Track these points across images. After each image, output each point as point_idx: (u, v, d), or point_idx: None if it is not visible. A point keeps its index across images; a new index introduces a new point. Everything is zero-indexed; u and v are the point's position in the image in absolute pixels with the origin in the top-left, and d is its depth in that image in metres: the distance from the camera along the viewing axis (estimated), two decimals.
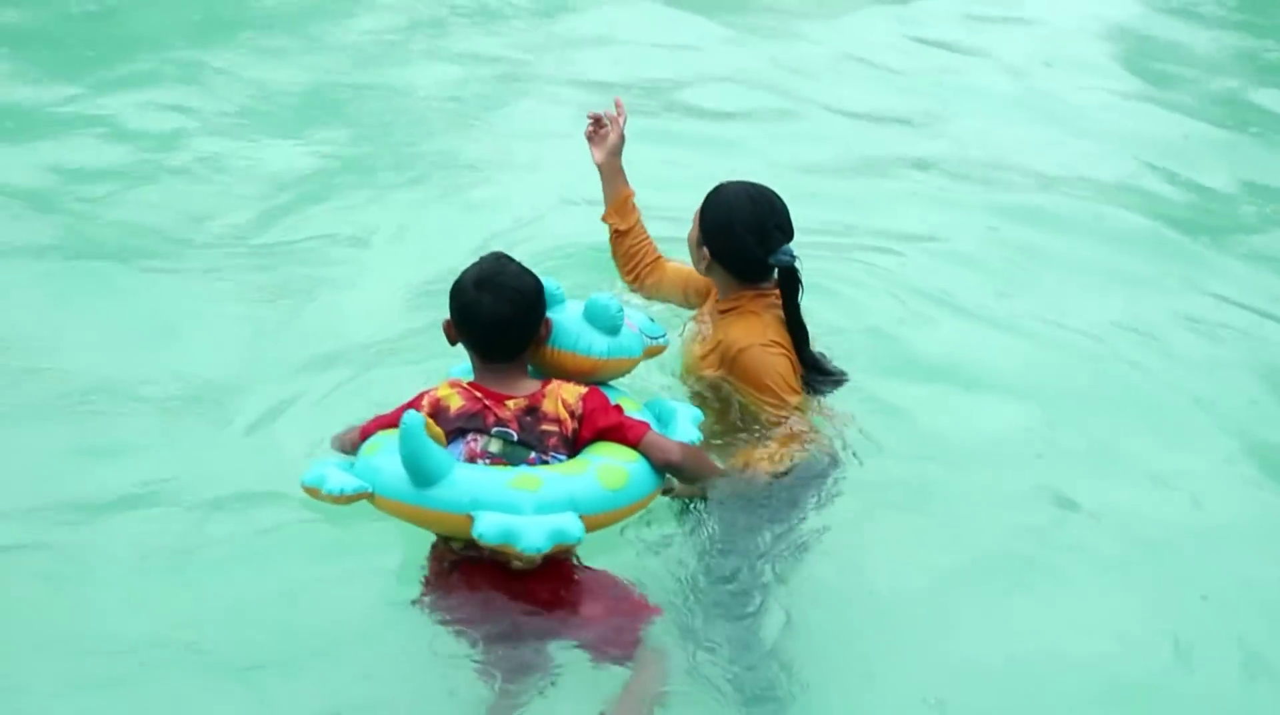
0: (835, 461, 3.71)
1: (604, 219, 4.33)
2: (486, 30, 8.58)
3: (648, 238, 4.30)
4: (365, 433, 3.48)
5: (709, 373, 3.80)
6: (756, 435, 3.66)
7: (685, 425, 3.47)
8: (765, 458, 3.56)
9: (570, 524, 3.08)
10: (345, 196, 6.21)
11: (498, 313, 3.32)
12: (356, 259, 5.52)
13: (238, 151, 6.63)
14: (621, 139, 4.28)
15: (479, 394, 3.35)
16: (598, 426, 3.31)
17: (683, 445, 3.39)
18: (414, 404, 3.39)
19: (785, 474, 3.58)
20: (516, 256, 3.54)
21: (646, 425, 3.36)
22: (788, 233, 3.80)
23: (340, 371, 4.54)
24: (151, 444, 4.26)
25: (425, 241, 5.59)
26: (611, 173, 4.27)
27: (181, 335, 4.91)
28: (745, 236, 3.76)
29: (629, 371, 3.61)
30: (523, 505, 3.08)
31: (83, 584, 3.67)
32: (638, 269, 4.29)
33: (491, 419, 3.31)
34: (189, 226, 5.83)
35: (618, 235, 4.32)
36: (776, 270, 3.80)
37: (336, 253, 5.56)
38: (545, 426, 3.31)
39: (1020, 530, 3.96)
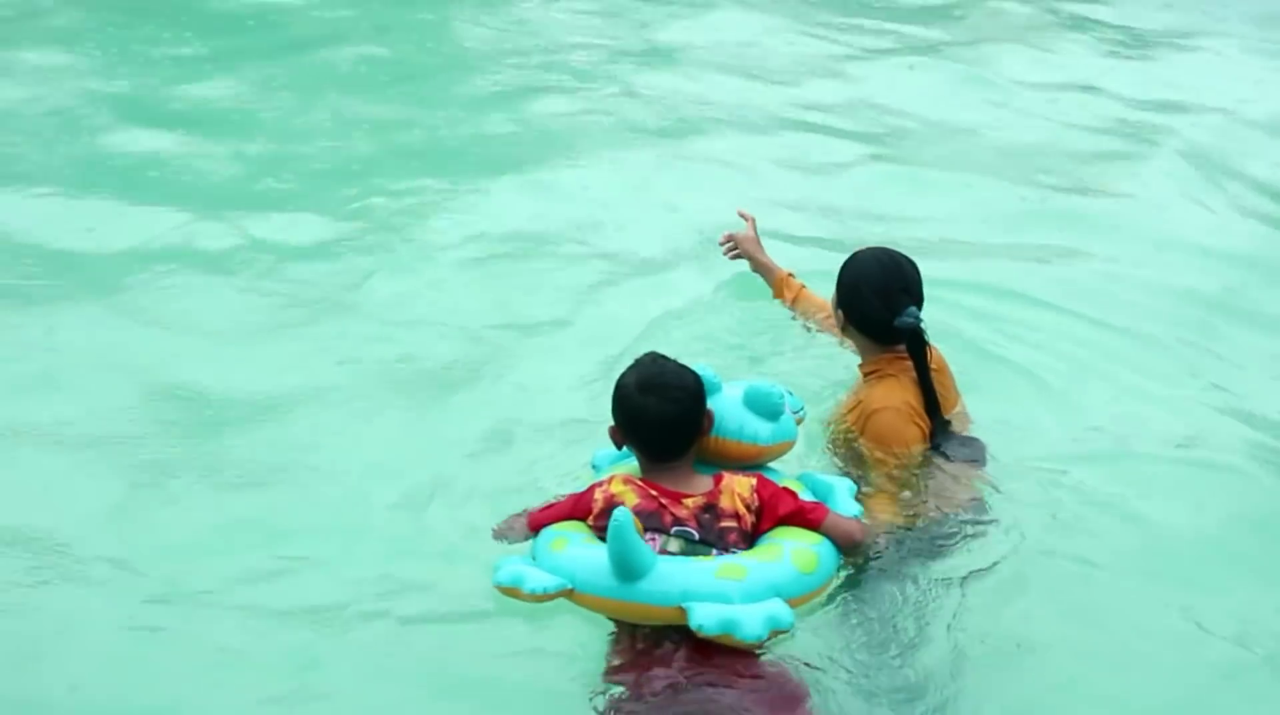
0: (965, 522, 3.77)
1: (775, 297, 4.82)
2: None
3: (815, 299, 4.68)
4: (536, 523, 3.49)
5: (845, 427, 3.94)
6: (874, 494, 3.79)
7: (845, 499, 3.50)
8: (883, 519, 3.68)
9: (782, 611, 3.14)
10: (488, 272, 6.16)
11: (665, 414, 3.35)
12: (502, 340, 5.47)
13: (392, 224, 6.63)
14: (757, 243, 4.90)
15: (654, 492, 3.35)
16: (779, 515, 3.37)
17: (860, 523, 3.45)
18: (586, 497, 3.42)
19: (906, 534, 3.68)
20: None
21: (825, 507, 3.40)
22: (915, 296, 3.95)
23: (493, 456, 4.49)
24: (305, 523, 4.23)
25: (589, 325, 5.51)
26: (762, 269, 4.89)
27: (334, 406, 4.90)
28: (872, 299, 3.94)
29: (788, 452, 3.65)
30: (731, 594, 3.12)
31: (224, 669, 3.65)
32: (811, 323, 4.71)
33: (669, 518, 3.33)
34: (343, 294, 5.83)
35: (792, 305, 4.76)
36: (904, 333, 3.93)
37: (488, 335, 5.51)
38: (724, 523, 3.32)
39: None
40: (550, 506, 3.49)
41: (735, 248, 4.93)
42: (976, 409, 4.20)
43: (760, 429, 3.48)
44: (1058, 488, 4.19)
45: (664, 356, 3.47)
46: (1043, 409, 4.79)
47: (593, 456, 3.70)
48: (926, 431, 3.88)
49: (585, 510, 3.40)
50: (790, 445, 3.58)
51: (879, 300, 3.92)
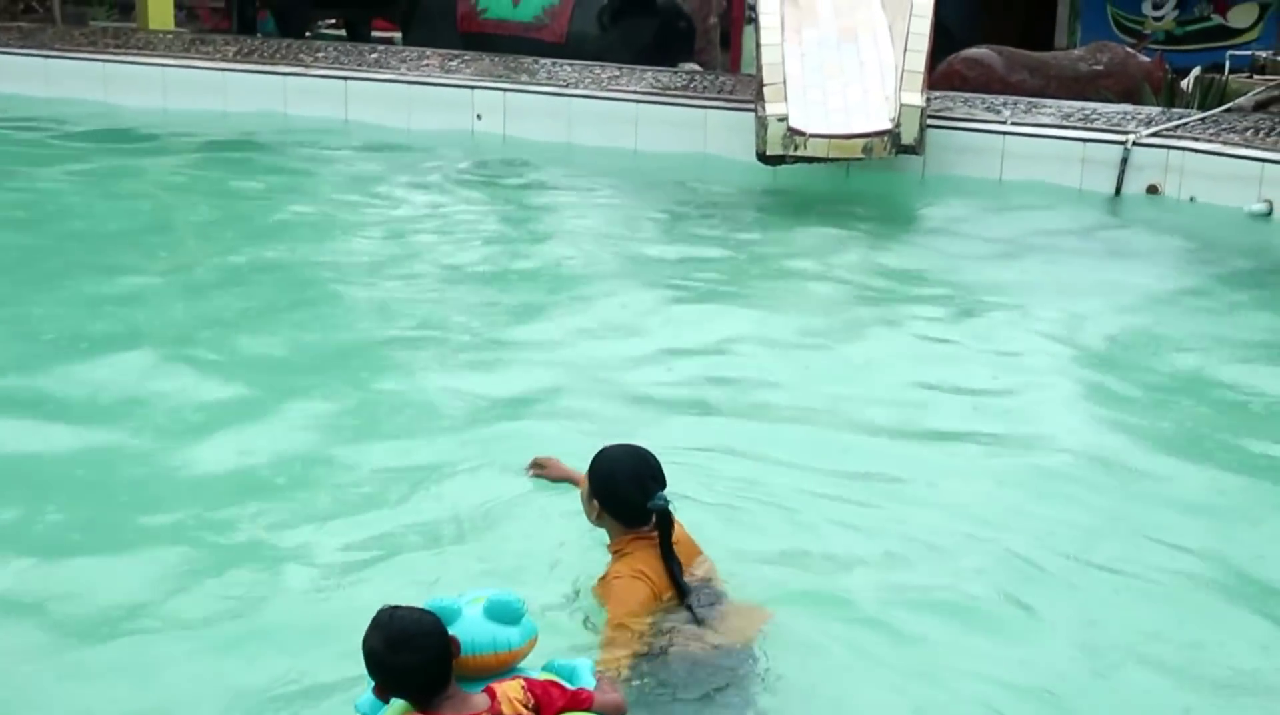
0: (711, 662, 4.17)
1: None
2: None
3: None
4: None
5: (596, 599, 4.39)
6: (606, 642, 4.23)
7: (587, 676, 3.78)
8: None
9: None
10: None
11: (422, 662, 3.48)
12: None
13: None
14: (561, 467, 5.27)
15: None
16: (556, 708, 3.59)
17: (618, 694, 3.78)
18: None
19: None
20: None
21: (589, 692, 3.68)
22: (661, 482, 4.38)
23: None
24: None
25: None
26: (569, 481, 5.15)
27: None
28: (626, 487, 4.34)
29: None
30: None
31: None
32: None
33: None
34: None
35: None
36: (654, 514, 4.36)
37: None
38: None
39: None
40: None
41: (540, 471, 5.34)
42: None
43: (510, 635, 3.68)
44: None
45: (397, 607, 3.58)
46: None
47: (356, 705, 3.73)
48: (660, 588, 4.31)
49: None
50: (536, 639, 3.81)
51: (633, 487, 4.33)
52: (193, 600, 4.54)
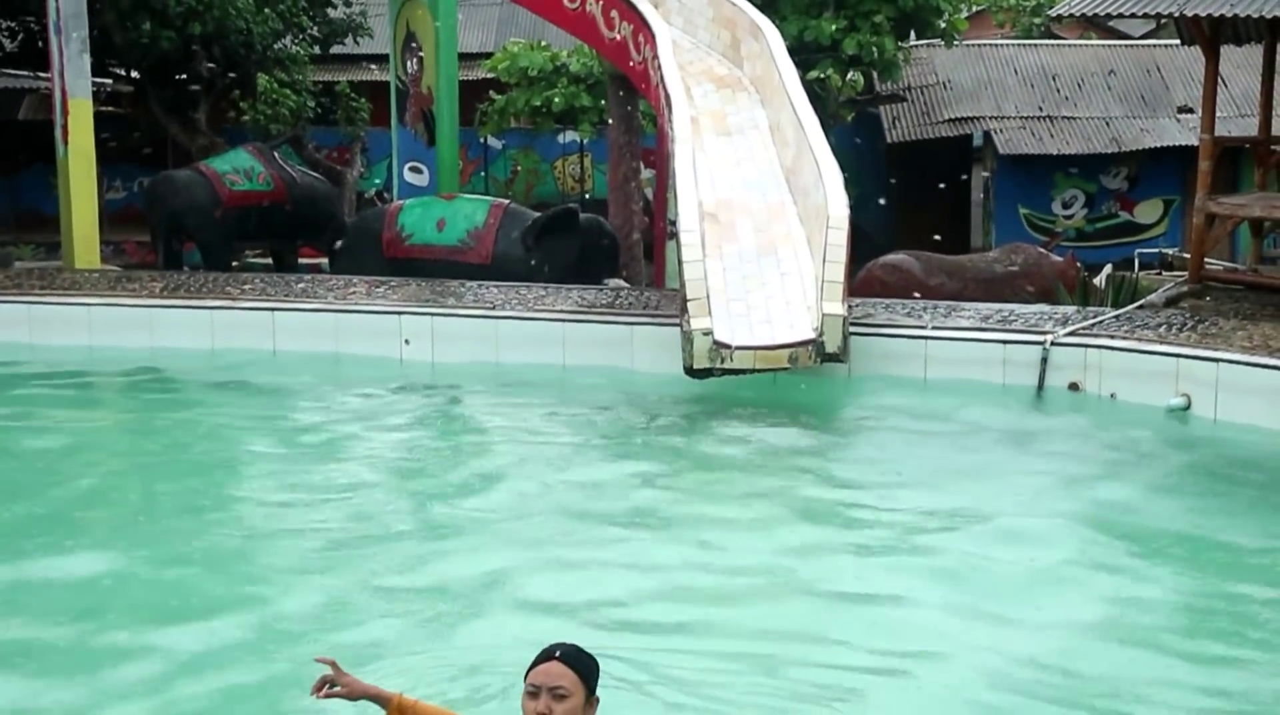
0: None
1: None
2: None
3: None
4: None
5: None
6: None
7: None
8: None
9: None
10: None
11: None
12: None
13: None
14: (354, 680, 4.54)
15: None
16: None
17: None
18: None
19: None
20: None
21: None
22: None
23: None
24: None
25: None
26: (372, 698, 4.53)
27: None
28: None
29: None
30: None
31: None
32: None
33: None
34: None
35: None
36: None
37: None
38: None
39: None
40: None
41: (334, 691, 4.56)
42: None
43: None
44: None
45: None
46: None
47: None
48: None
49: None
50: None
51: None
52: None
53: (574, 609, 6.53)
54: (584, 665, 4.03)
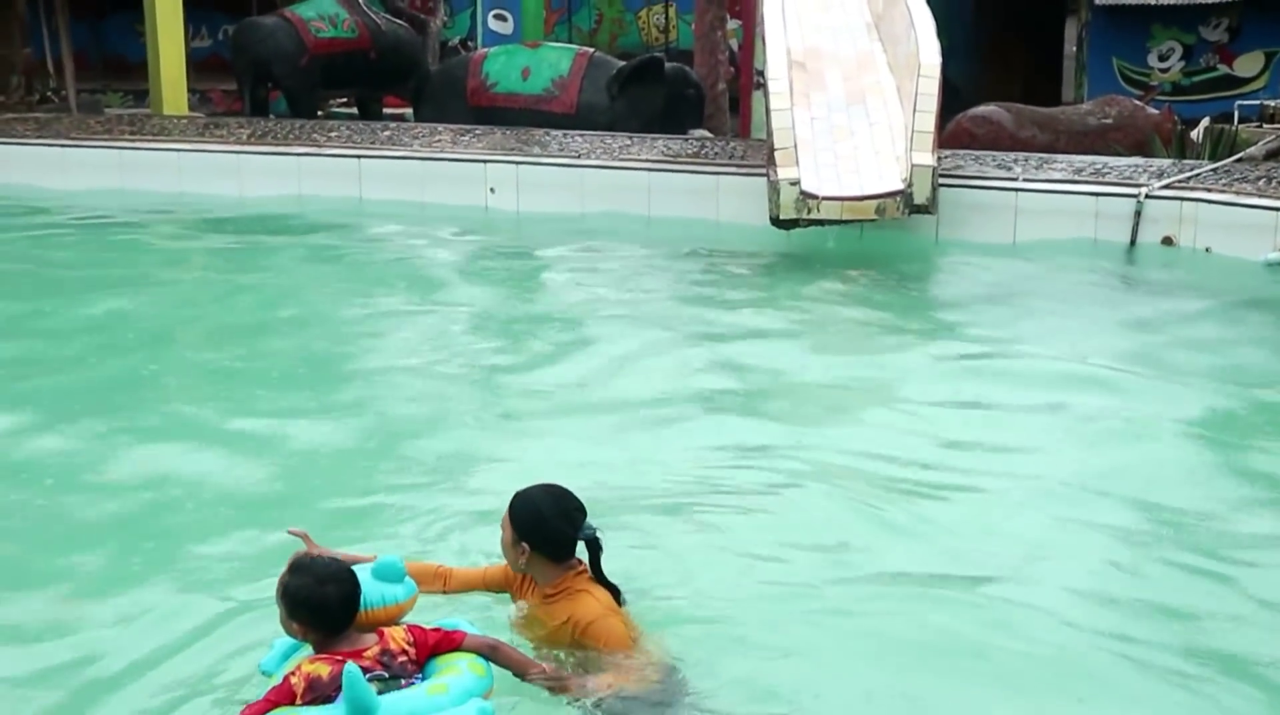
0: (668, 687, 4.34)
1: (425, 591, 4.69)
2: None
3: (466, 573, 4.82)
4: None
5: (564, 647, 4.43)
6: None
7: (465, 626, 4.33)
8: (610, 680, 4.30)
9: (485, 704, 4.05)
10: None
11: (344, 594, 4.12)
12: None
13: None
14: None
15: (340, 657, 4.04)
16: (430, 644, 4.20)
17: (491, 639, 4.31)
18: (285, 686, 3.99)
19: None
20: None
21: (463, 632, 4.27)
22: (584, 511, 4.53)
23: None
24: None
25: None
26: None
27: None
28: (555, 522, 4.47)
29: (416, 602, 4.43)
30: (445, 704, 4.01)
31: None
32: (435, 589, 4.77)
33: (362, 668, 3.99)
34: None
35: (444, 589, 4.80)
36: (581, 544, 4.52)
37: None
38: (400, 659, 4.16)
39: None
40: (254, 705, 4.01)
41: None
42: None
43: (396, 591, 4.32)
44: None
45: (308, 555, 4.26)
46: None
47: (261, 665, 4.29)
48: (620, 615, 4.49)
49: (289, 696, 3.97)
50: (417, 596, 4.40)
51: (562, 522, 4.47)
52: None
53: (668, 458, 6.56)
54: (515, 510, 4.50)
